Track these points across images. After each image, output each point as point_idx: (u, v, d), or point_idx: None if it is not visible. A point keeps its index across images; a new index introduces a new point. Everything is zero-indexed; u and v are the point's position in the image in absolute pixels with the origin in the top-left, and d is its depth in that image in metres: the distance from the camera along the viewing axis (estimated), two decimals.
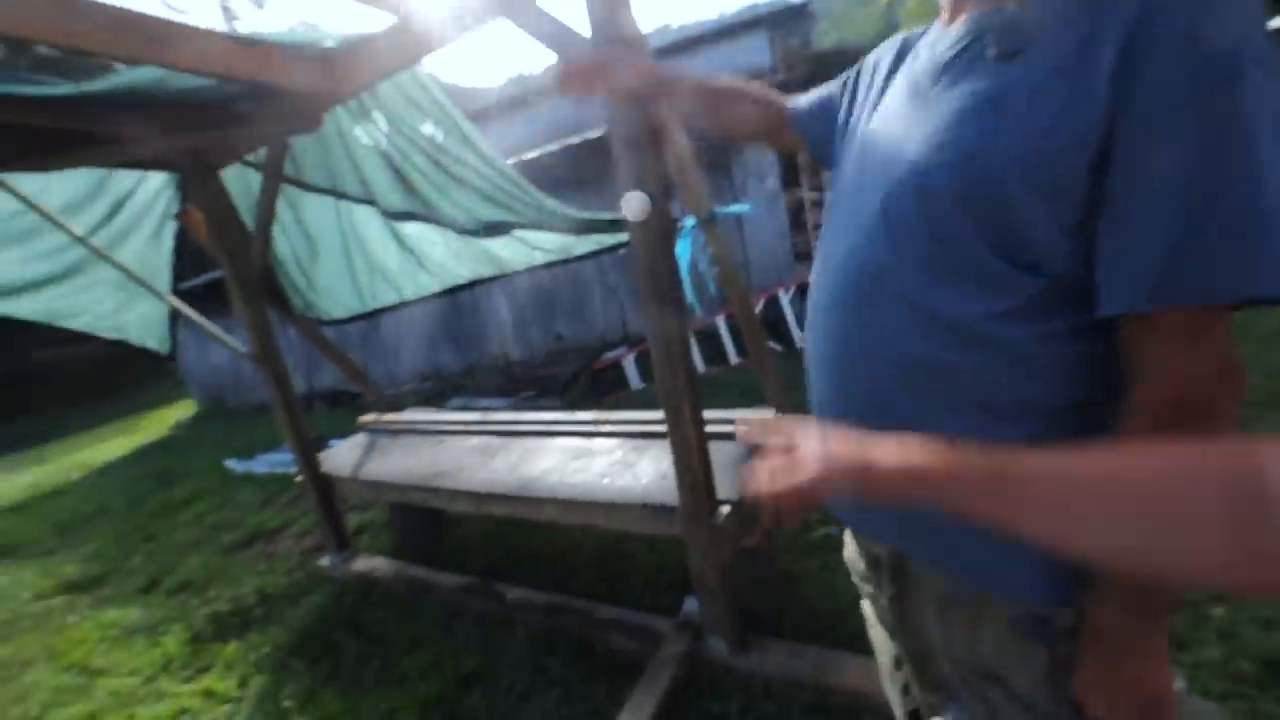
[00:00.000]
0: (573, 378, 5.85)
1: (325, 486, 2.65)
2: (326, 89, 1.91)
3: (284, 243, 2.60)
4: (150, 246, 2.62)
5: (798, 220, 5.83)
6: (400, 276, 2.57)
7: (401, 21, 1.72)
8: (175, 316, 2.80)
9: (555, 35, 1.37)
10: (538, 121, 7.46)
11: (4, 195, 2.01)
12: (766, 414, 2.06)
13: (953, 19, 0.67)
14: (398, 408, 3.14)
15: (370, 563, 2.73)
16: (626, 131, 1.34)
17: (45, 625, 3.12)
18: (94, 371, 14.77)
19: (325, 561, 2.83)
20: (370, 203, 2.21)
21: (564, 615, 2.07)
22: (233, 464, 5.48)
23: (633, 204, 1.22)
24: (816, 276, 0.77)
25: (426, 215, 2.10)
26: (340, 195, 2.30)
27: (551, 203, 1.93)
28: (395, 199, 2.13)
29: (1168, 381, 0.53)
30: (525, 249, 2.15)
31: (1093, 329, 0.56)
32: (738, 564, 1.84)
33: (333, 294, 2.75)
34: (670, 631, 1.81)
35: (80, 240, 2.14)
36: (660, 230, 1.41)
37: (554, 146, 5.89)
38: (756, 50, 7.80)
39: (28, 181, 2.11)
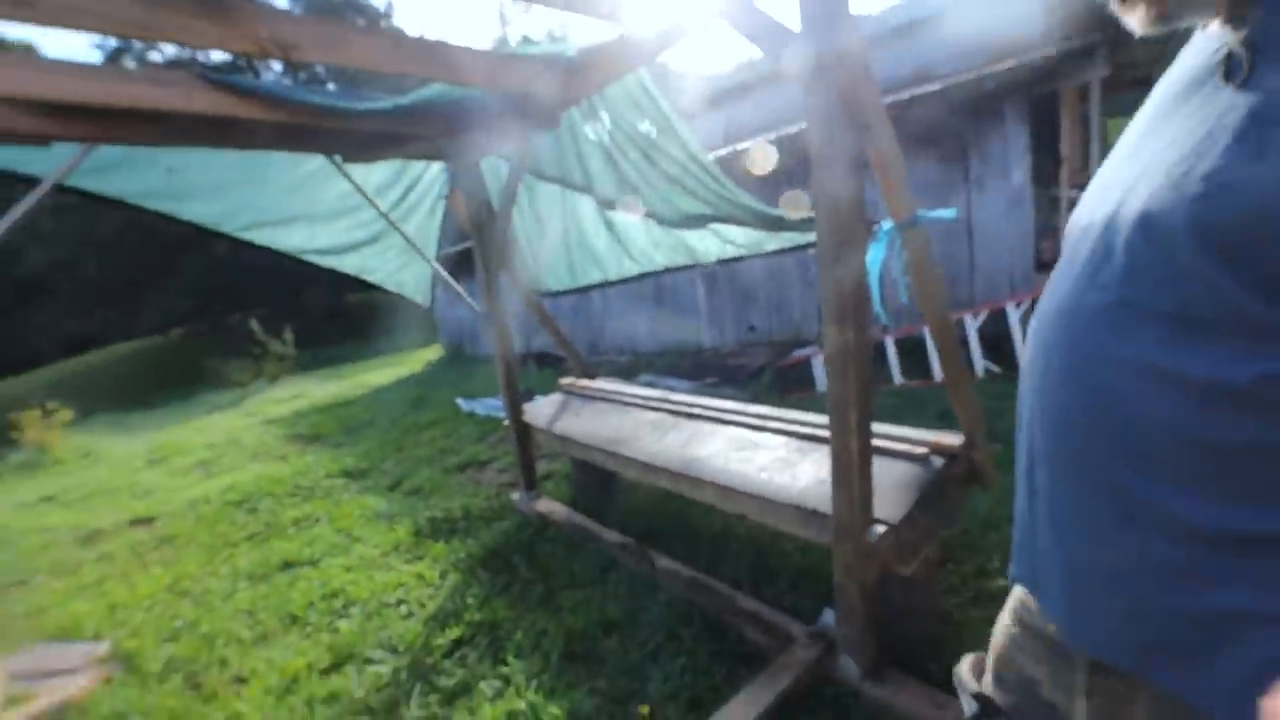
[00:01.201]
0: (758, 370, 5.83)
1: (524, 433, 3.09)
2: (565, 94, 2.19)
3: (520, 223, 3.05)
4: (427, 220, 3.28)
5: (1049, 224, 4.99)
6: (607, 259, 2.85)
7: (627, 32, 1.90)
8: (436, 276, 3.47)
9: (769, 32, 1.41)
10: (763, 106, 7.40)
11: (341, 179, 2.70)
12: (953, 439, 1.89)
13: (1208, 29, 0.57)
14: (593, 375, 3.50)
15: (550, 505, 3.12)
16: (822, 125, 1.34)
17: (329, 497, 4.21)
18: (382, 314, 18.70)
19: (516, 496, 3.32)
20: (589, 191, 2.48)
21: (705, 593, 2.16)
22: (461, 402, 6.58)
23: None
24: (1038, 310, 0.70)
25: (633, 205, 2.30)
26: (566, 185, 2.63)
27: (746, 198, 1.98)
28: (609, 189, 2.36)
29: None
30: (718, 241, 2.23)
31: None
32: (889, 589, 1.74)
33: (552, 269, 3.15)
34: (803, 637, 1.80)
35: (384, 215, 2.77)
36: (845, 232, 1.38)
37: (768, 137, 5.84)
38: None
39: (357, 171, 2.79)
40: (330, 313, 21.46)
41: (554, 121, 2.36)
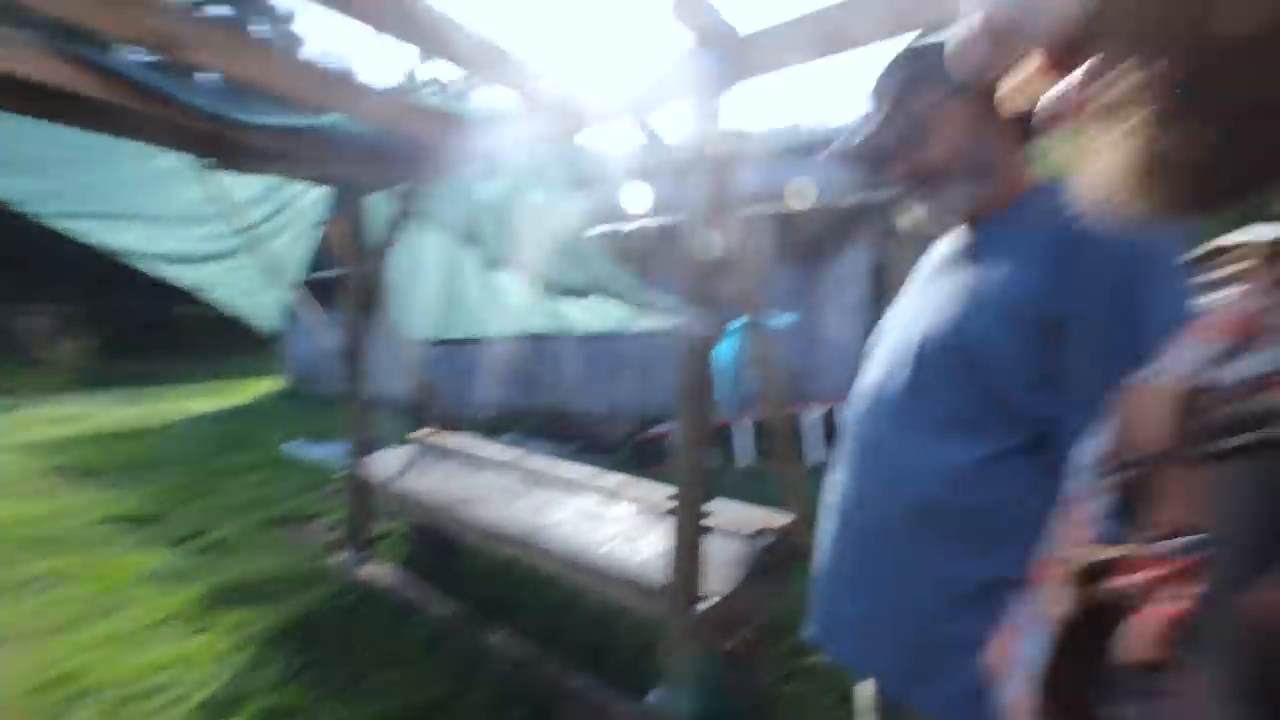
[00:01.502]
0: (622, 441, 5.95)
1: (362, 487, 2.86)
2: (464, 150, 2.25)
3: (397, 264, 2.97)
4: (296, 244, 3.07)
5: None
6: (483, 315, 2.84)
7: (543, 109, 2.03)
8: (296, 303, 3.21)
9: (657, 145, 1.60)
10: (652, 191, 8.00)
11: (203, 184, 2.48)
12: (782, 519, 2.07)
13: (957, 230, 0.86)
14: (453, 429, 3.36)
15: (380, 569, 2.87)
16: (694, 231, 1.51)
17: (90, 549, 3.42)
18: (218, 332, 16.56)
19: (342, 557, 3.01)
20: (474, 246, 2.51)
21: (533, 672, 2.09)
22: (292, 446, 5.92)
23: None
24: (845, 424, 0.90)
25: (518, 268, 2.36)
26: (452, 235, 2.64)
27: (626, 278, 2.13)
28: (498, 249, 2.42)
29: None
30: (593, 315, 2.35)
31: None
32: (715, 663, 1.81)
33: (424, 316, 3.07)
34: (628, 718, 1.79)
35: (246, 230, 2.56)
36: (703, 325, 1.54)
37: (652, 222, 6.30)
38: None
39: (223, 178, 2.58)
40: (151, 323, 18.49)
41: (452, 172, 2.40)
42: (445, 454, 3.01)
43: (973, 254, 0.79)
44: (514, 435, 6.35)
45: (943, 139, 0.78)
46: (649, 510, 2.20)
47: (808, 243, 5.59)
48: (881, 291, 5.82)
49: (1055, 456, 0.66)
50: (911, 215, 0.85)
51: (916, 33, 1.18)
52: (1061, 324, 0.65)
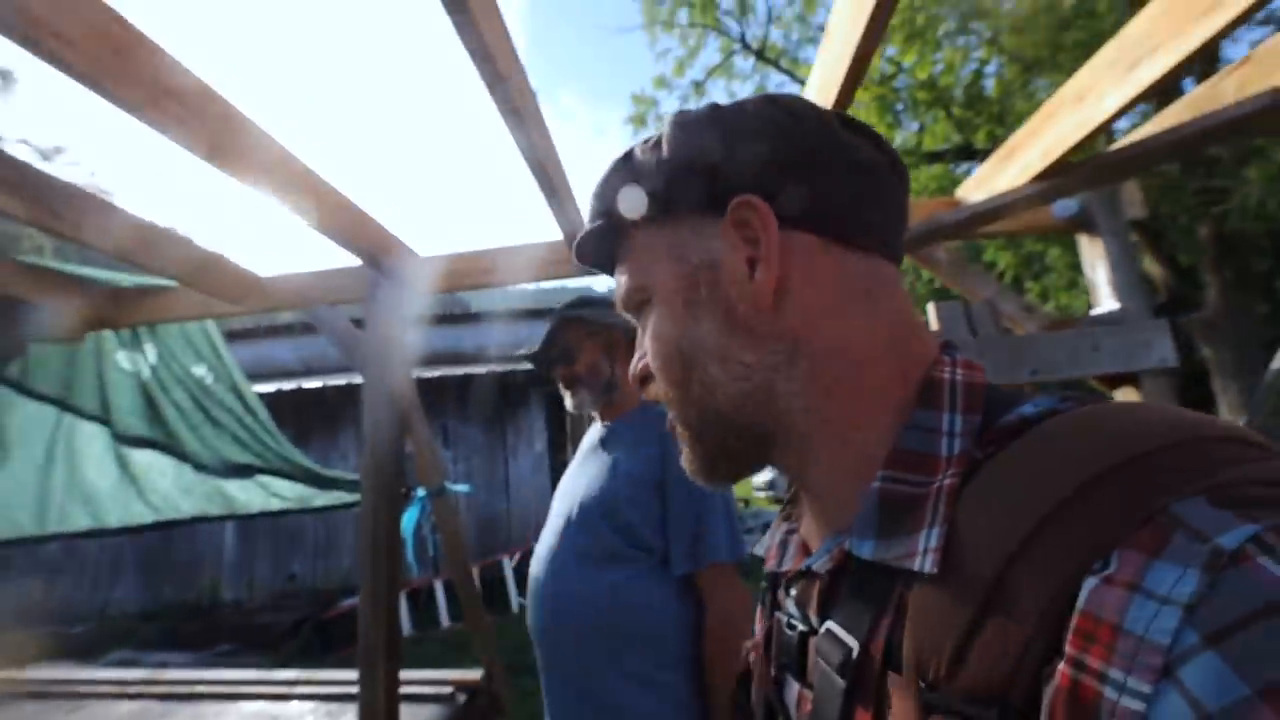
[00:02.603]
0: (294, 627, 5.06)
1: None
2: (96, 316, 2.03)
3: None
4: None
5: (558, 482, 6.43)
6: (110, 501, 2.36)
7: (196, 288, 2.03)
8: None
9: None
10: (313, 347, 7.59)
11: None
12: (475, 674, 2.19)
13: (600, 421, 1.28)
14: (19, 662, 2.52)
15: None
16: (371, 413, 1.72)
17: None
18: None
19: None
20: (104, 422, 2.17)
21: None
22: None
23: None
24: (532, 567, 1.17)
25: (167, 446, 2.13)
26: (67, 408, 2.22)
27: (298, 455, 2.14)
28: (138, 424, 2.14)
29: (716, 603, 1.04)
30: (263, 494, 2.22)
31: (682, 583, 1.06)
32: None
33: (4, 509, 2.37)
34: None
35: None
36: (385, 495, 1.71)
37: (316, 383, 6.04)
38: None
39: None
40: None
41: (72, 337, 2.09)
42: (17, 698, 2.25)
43: (609, 442, 1.19)
44: (126, 651, 4.83)
45: (584, 361, 1.24)
46: (337, 698, 2.07)
47: (490, 403, 6.08)
48: (557, 445, 6.58)
49: (671, 572, 1.05)
50: (570, 402, 1.28)
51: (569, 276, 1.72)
52: (665, 485, 1.08)
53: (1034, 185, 1.49)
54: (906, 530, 0.30)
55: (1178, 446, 0.25)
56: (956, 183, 6.09)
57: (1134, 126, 1.61)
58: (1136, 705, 0.21)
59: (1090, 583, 0.23)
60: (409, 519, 1.82)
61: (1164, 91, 1.47)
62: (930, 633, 0.27)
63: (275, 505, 2.13)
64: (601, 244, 0.44)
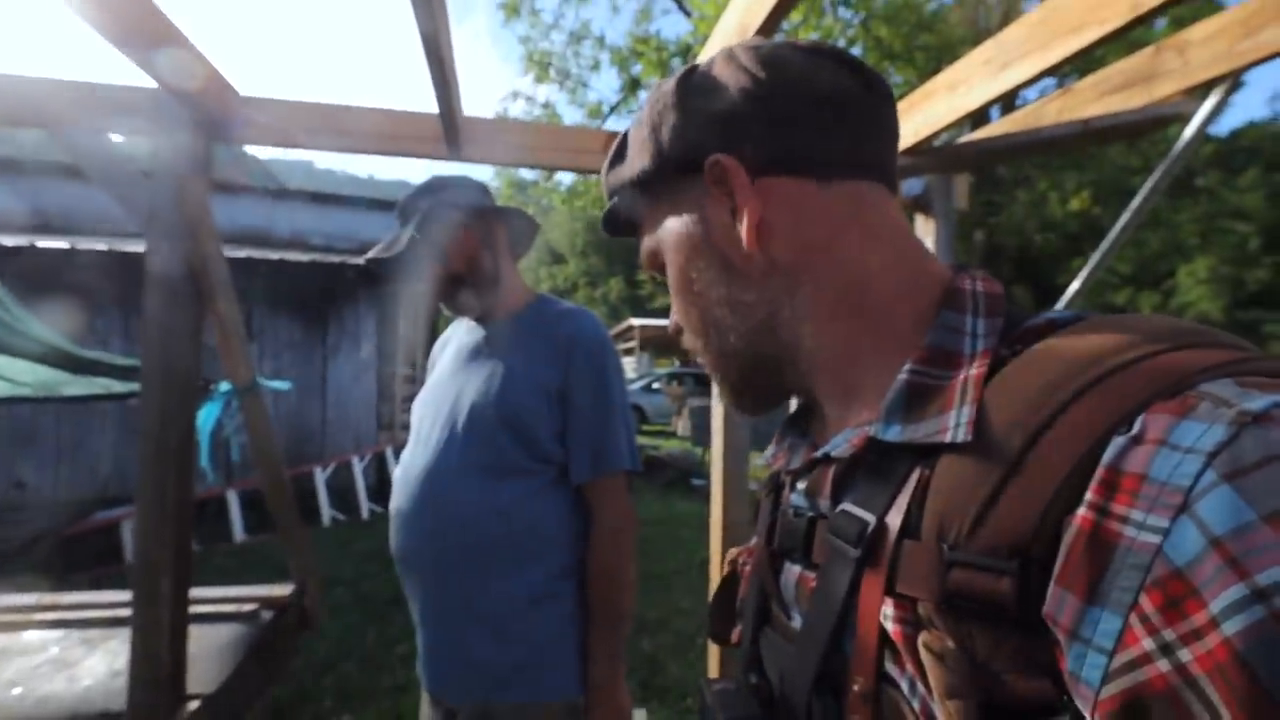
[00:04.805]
0: (29, 545, 4.16)
1: None
2: None
3: None
4: None
5: (387, 391, 5.95)
6: None
7: None
8: None
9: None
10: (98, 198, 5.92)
11: None
12: (284, 590, 1.98)
13: (479, 322, 1.12)
14: None
15: None
16: (161, 287, 1.36)
17: None
18: None
19: None
20: None
21: None
22: None
23: None
24: (401, 483, 1.04)
25: None
26: None
27: (43, 329, 1.63)
28: None
29: (607, 514, 1.00)
30: None
31: (576, 493, 1.02)
32: None
33: None
34: None
35: None
36: (181, 387, 1.39)
37: (99, 245, 4.77)
38: None
39: None
40: None
41: None
42: None
43: (495, 345, 1.06)
44: None
45: (461, 258, 1.05)
46: (93, 623, 1.73)
47: (309, 296, 5.31)
48: (388, 351, 6.02)
49: (569, 484, 1.01)
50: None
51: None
52: (566, 393, 1.00)
53: (899, 159, 1.61)
54: (934, 413, 0.32)
55: (1202, 343, 0.27)
56: None
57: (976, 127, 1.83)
58: (1153, 539, 0.22)
59: (1117, 442, 0.24)
60: (206, 417, 1.52)
61: (1009, 100, 1.65)
62: (956, 497, 0.29)
63: (7, 391, 1.60)
64: (620, 218, 0.49)
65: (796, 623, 0.38)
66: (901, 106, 1.57)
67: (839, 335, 0.39)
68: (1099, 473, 0.24)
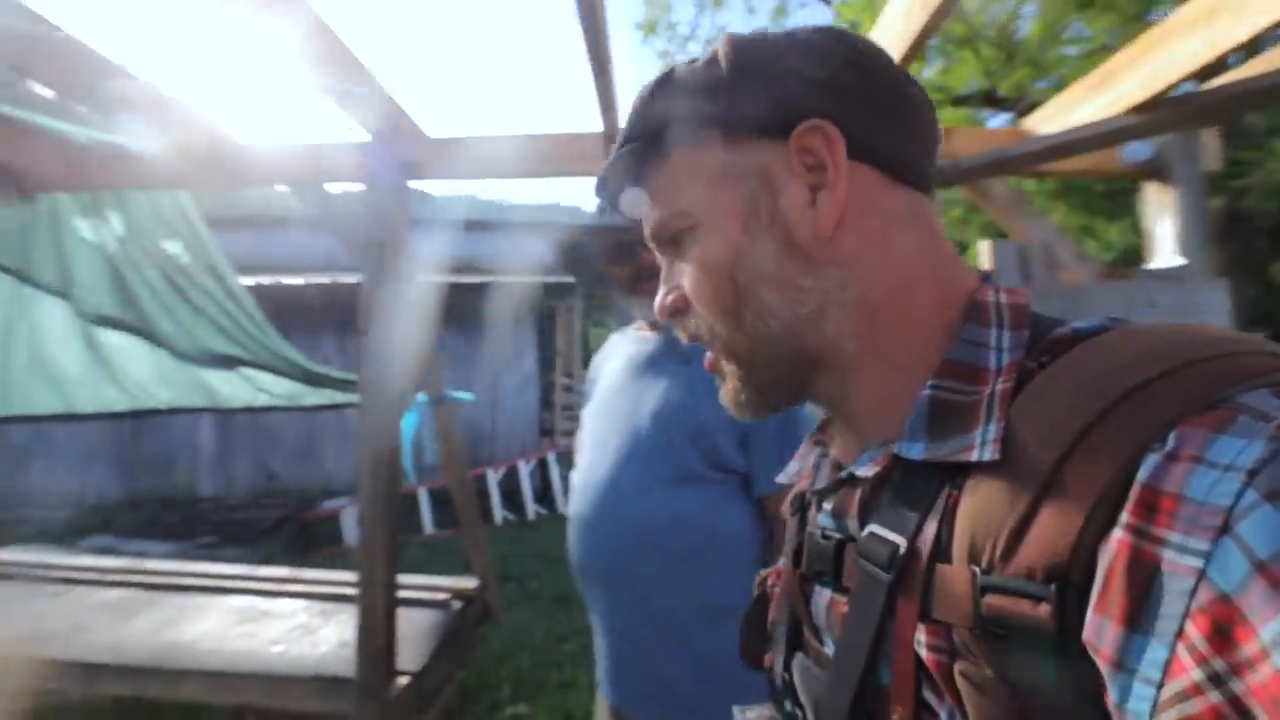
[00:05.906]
0: (277, 525, 5.08)
1: None
2: (52, 174, 1.79)
3: None
4: None
5: (548, 400, 6.37)
6: (77, 384, 2.19)
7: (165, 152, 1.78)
8: None
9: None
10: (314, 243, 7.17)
11: None
12: (469, 583, 2.16)
13: (650, 332, 1.11)
14: None
15: None
16: (382, 313, 1.56)
17: None
18: None
19: None
20: (65, 297, 1.96)
21: None
22: None
23: None
24: (580, 492, 1.06)
25: (140, 328, 1.94)
26: (23, 278, 2.00)
27: (288, 348, 1.97)
28: (106, 302, 1.93)
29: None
30: (249, 388, 2.06)
31: (757, 506, 0.99)
32: None
33: None
34: None
35: None
36: (390, 400, 1.59)
37: (317, 279, 5.74)
38: None
39: None
40: None
41: (23, 194, 1.85)
42: None
43: (671, 356, 1.04)
44: (105, 537, 4.80)
45: (646, 260, 1.02)
46: (327, 597, 2.03)
47: (486, 313, 5.86)
48: (547, 363, 6.42)
49: (752, 495, 0.99)
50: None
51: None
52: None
53: (1130, 117, 1.32)
54: (960, 430, 0.30)
55: (1239, 352, 0.26)
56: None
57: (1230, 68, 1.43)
58: (1195, 562, 0.21)
59: (1151, 459, 0.23)
60: (408, 424, 1.71)
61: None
62: (986, 519, 0.27)
63: (262, 400, 1.98)
64: (627, 171, 0.41)
65: (829, 648, 0.37)
66: (1125, 56, 1.32)
67: (878, 343, 0.36)
68: (1134, 492, 0.23)
